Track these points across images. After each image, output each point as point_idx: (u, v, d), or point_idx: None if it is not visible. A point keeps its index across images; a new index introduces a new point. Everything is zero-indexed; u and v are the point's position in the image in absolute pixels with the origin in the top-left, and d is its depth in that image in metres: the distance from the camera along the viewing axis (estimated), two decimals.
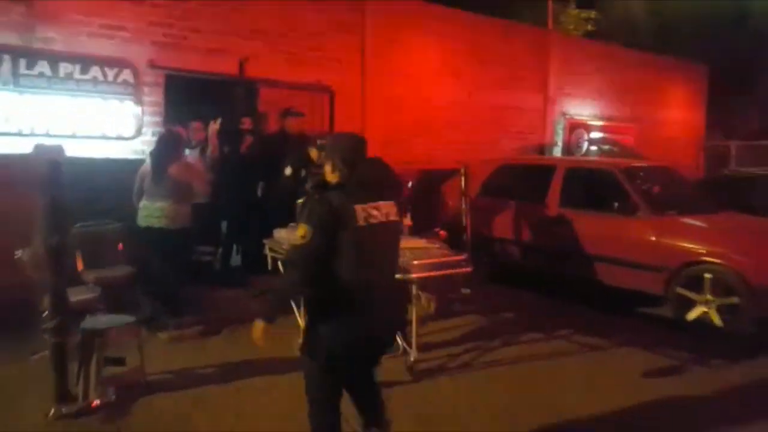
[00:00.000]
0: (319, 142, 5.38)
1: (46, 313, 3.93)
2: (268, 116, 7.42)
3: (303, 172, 5.52)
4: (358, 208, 2.69)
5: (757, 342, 5.26)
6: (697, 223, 6.04)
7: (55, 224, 3.79)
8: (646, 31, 17.41)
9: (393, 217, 2.84)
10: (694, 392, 4.30)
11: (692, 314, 5.51)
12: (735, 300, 5.31)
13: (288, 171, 5.49)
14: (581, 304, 6.47)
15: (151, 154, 5.49)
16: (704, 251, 5.54)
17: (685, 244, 5.66)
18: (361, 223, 2.68)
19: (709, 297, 5.44)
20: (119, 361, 4.13)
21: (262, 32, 7.34)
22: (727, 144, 14.59)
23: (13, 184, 5.26)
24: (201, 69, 6.82)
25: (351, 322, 2.71)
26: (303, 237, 2.64)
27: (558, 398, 4.15)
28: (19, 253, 4.54)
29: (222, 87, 7.16)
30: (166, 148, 5.43)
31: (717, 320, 5.39)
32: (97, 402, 3.81)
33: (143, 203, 5.34)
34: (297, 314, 4.80)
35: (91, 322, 4.04)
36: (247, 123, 6.89)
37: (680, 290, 5.61)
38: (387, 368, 4.44)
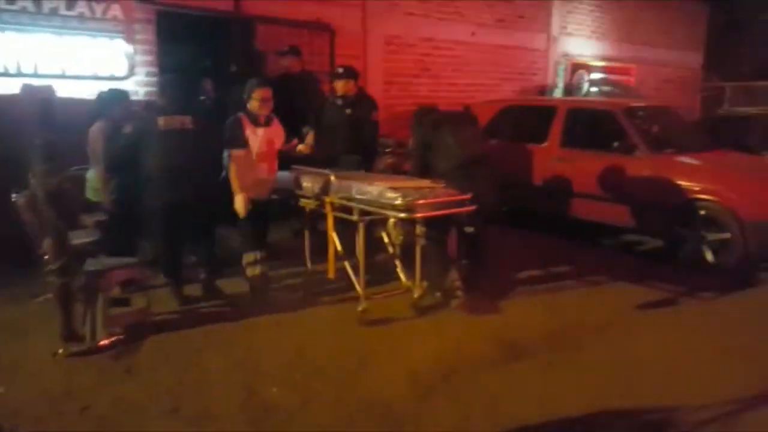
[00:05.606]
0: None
1: (48, 255, 3.91)
2: (266, 56, 7.18)
3: None
4: (160, 119, 4.33)
5: (746, 277, 5.42)
6: (693, 161, 6.07)
7: (52, 166, 3.72)
8: None
9: (187, 125, 4.37)
10: (686, 323, 4.46)
11: (685, 250, 5.68)
12: (727, 236, 5.43)
13: None
14: (580, 243, 6.56)
15: None
16: (698, 188, 5.61)
17: (681, 182, 5.72)
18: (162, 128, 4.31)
19: (702, 233, 5.57)
20: (124, 302, 4.16)
21: None
22: (722, 86, 14.47)
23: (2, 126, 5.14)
24: (194, 5, 6.50)
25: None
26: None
27: (550, 326, 4.27)
28: (14, 197, 4.46)
29: (217, 25, 6.88)
30: None
31: (709, 256, 5.56)
32: (105, 342, 3.84)
33: None
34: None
35: (93, 263, 4.02)
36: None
37: (675, 227, 5.73)
38: (391, 305, 4.56)
